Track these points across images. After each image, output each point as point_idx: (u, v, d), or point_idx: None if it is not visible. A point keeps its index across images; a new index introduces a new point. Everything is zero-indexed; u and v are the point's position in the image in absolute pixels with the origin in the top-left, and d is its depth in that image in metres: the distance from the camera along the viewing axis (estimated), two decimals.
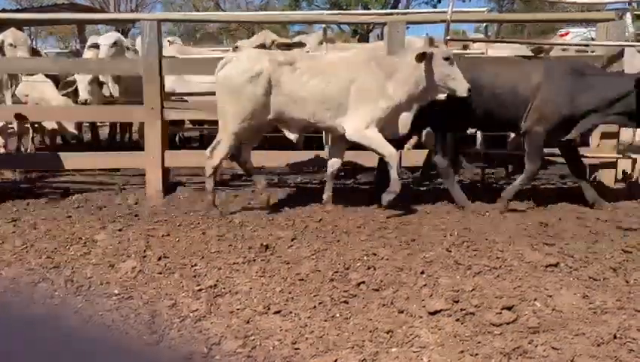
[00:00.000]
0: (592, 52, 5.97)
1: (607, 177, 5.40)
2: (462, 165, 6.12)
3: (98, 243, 3.79)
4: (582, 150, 5.21)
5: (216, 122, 4.69)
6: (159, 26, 5.30)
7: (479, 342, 2.53)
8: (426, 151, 5.58)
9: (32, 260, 3.51)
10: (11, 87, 6.37)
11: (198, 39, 24.84)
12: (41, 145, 7.91)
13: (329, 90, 4.36)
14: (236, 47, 6.25)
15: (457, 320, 2.73)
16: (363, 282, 3.11)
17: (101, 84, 6.62)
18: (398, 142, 4.70)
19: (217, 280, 3.17)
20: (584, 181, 4.77)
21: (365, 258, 3.45)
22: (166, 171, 5.48)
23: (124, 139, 8.27)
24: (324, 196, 4.68)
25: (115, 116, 6.43)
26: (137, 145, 6.93)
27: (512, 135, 6.44)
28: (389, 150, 4.39)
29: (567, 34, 11.40)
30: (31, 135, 7.20)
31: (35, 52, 7.33)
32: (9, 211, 4.69)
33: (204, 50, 9.27)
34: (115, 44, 6.47)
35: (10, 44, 6.35)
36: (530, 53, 6.32)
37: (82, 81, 6.38)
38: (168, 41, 8.99)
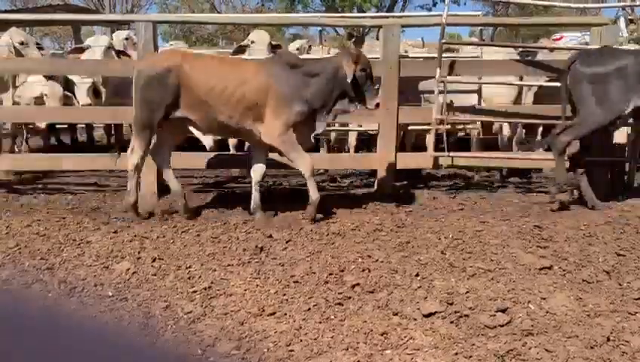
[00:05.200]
0: None
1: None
2: None
3: (92, 245, 3.77)
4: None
5: None
6: (155, 28, 5.30)
7: (473, 345, 2.54)
8: (420, 154, 5.60)
9: (26, 261, 3.49)
10: (14, 87, 6.33)
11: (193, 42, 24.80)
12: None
13: None
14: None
15: (451, 322, 2.74)
16: (358, 284, 3.11)
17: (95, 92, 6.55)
18: None
19: (212, 282, 3.16)
20: None
21: (360, 260, 3.45)
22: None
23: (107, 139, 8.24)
24: None
25: (110, 117, 6.40)
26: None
27: (506, 136, 6.48)
28: None
29: (561, 38, 11.46)
30: (25, 136, 7.17)
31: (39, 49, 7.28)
32: (2, 212, 4.67)
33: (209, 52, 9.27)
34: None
35: (21, 43, 6.33)
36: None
37: (82, 84, 6.35)
38: (170, 44, 9.00)
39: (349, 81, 4.25)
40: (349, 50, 4.45)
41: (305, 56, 6.63)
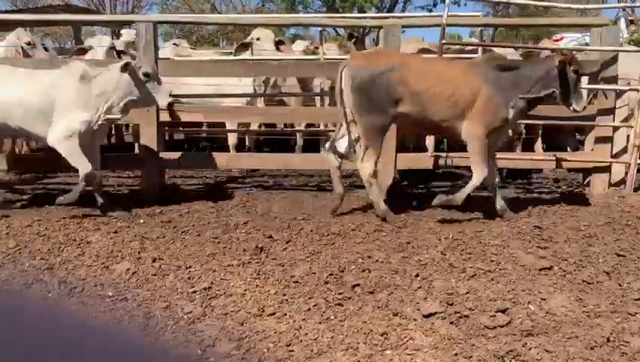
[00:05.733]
0: None
1: (600, 182, 5.42)
2: None
3: (92, 245, 3.77)
4: (576, 154, 5.22)
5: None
6: (155, 28, 5.30)
7: (473, 345, 2.54)
8: (420, 155, 5.60)
9: (26, 261, 3.49)
10: None
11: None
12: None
13: None
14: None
15: (451, 322, 2.74)
16: (358, 284, 3.11)
17: None
18: None
19: (212, 283, 3.17)
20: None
21: (360, 260, 3.45)
22: (161, 173, 5.47)
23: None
24: None
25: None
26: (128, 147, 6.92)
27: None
28: None
29: (561, 39, 11.45)
30: None
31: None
32: (3, 212, 4.67)
33: (209, 52, 9.28)
34: None
35: (28, 43, 6.34)
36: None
37: None
38: (174, 44, 8.98)
39: (574, 77, 4.24)
40: (562, 51, 4.43)
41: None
